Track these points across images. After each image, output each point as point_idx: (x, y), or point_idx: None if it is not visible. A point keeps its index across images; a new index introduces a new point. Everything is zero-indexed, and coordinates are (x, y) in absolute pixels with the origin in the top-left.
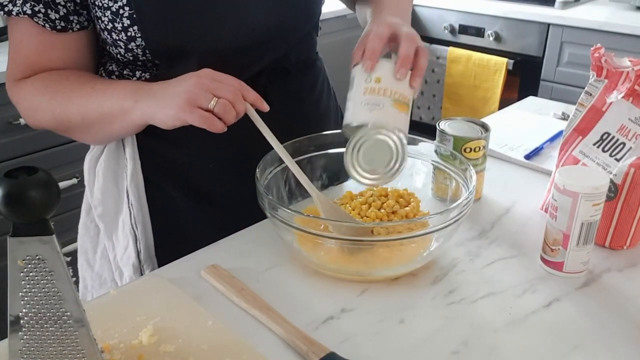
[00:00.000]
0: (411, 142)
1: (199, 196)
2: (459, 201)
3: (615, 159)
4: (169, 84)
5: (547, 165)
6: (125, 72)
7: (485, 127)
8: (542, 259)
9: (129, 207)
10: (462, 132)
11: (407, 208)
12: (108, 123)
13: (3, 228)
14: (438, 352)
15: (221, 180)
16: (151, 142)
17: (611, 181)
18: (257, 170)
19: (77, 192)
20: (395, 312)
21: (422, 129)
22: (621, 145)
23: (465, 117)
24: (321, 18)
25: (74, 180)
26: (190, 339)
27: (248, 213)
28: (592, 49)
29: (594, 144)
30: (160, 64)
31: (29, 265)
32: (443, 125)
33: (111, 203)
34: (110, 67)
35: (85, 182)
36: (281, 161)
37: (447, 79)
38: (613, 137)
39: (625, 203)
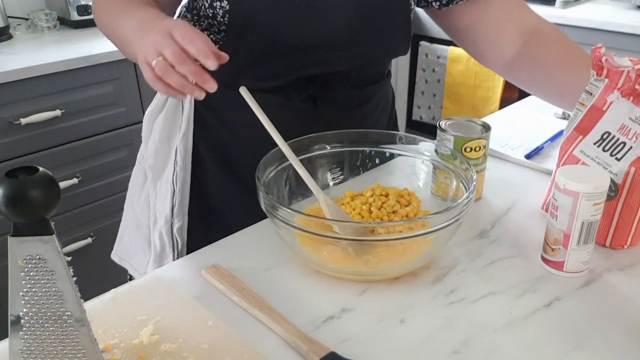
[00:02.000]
0: (411, 141)
1: (234, 175)
2: (459, 201)
3: (616, 159)
4: (147, 31)
5: (548, 165)
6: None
7: (485, 127)
8: (543, 259)
9: (174, 164)
10: (463, 131)
11: (407, 208)
12: (128, 46)
13: (4, 228)
14: (439, 351)
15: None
16: (205, 111)
17: (612, 180)
18: (258, 169)
19: (77, 192)
20: (396, 311)
21: (422, 128)
22: (622, 145)
23: (466, 117)
24: None
25: (75, 180)
26: (190, 338)
27: None
28: (592, 48)
29: (595, 144)
30: (228, 34)
31: (30, 265)
32: (444, 124)
33: (161, 156)
34: None
35: (143, 134)
36: (282, 160)
37: (448, 79)
38: (613, 136)
39: (625, 202)
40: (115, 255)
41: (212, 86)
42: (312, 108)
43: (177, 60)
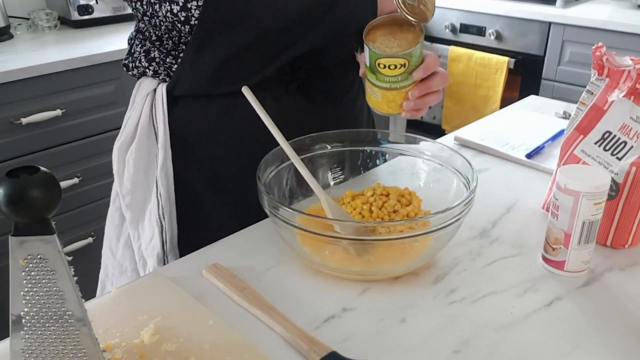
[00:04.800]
0: (412, 141)
1: (223, 190)
2: (460, 200)
3: (617, 158)
4: None
5: (549, 164)
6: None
7: (415, 36)
8: (544, 258)
9: (157, 197)
10: (385, 42)
11: (408, 207)
12: None
13: (4, 227)
14: (439, 351)
15: (246, 174)
16: (183, 131)
17: (612, 180)
18: (259, 169)
19: (78, 192)
20: (397, 311)
21: (423, 128)
22: (622, 144)
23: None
24: None
25: (75, 180)
26: (191, 338)
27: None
28: (593, 47)
29: (596, 143)
30: (193, 40)
31: (31, 265)
32: (370, 28)
33: (140, 193)
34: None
35: (114, 171)
36: (283, 160)
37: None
38: (614, 135)
39: (626, 202)
40: None
41: None
42: (302, 101)
43: None
